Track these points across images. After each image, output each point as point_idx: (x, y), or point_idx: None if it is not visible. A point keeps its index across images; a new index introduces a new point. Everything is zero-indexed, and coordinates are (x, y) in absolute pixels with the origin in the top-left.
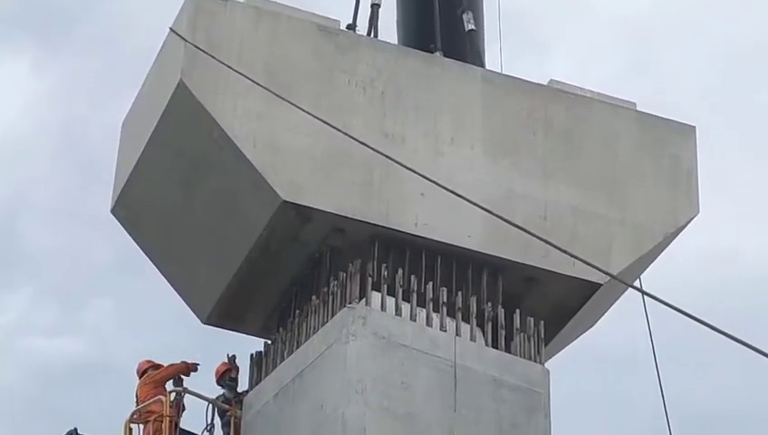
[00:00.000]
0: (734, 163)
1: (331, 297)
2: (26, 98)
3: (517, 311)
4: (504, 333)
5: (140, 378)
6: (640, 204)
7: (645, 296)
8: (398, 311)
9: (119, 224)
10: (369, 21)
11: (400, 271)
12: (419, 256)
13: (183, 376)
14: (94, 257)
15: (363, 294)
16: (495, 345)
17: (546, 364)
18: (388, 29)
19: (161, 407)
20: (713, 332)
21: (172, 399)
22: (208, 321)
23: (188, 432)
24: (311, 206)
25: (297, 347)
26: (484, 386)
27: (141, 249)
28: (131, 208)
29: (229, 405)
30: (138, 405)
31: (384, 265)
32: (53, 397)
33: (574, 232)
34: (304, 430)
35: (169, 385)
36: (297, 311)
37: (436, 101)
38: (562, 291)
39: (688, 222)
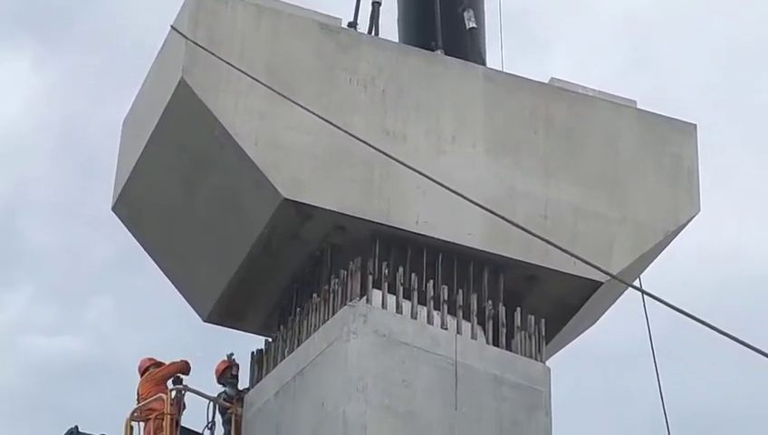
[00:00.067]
0: (735, 161)
1: (331, 295)
2: (27, 95)
3: (518, 309)
4: (504, 331)
5: (142, 376)
6: (641, 202)
7: (645, 295)
8: (398, 309)
9: (119, 221)
10: (371, 19)
11: (401, 269)
12: (420, 253)
13: (182, 375)
14: (95, 255)
15: (364, 292)
16: (496, 343)
17: (547, 362)
18: (389, 27)
19: (162, 405)
20: (713, 330)
21: (173, 397)
22: (209, 319)
23: (189, 430)
24: (312, 203)
25: (298, 345)
26: (484, 384)
27: (142, 247)
28: (132, 206)
29: (230, 403)
30: (139, 403)
31: (385, 262)
32: (54, 395)
33: (575, 230)
34: (305, 428)
35: (170, 383)
36: (298, 309)
37: (437, 99)
38: (563, 289)
39: (689, 220)
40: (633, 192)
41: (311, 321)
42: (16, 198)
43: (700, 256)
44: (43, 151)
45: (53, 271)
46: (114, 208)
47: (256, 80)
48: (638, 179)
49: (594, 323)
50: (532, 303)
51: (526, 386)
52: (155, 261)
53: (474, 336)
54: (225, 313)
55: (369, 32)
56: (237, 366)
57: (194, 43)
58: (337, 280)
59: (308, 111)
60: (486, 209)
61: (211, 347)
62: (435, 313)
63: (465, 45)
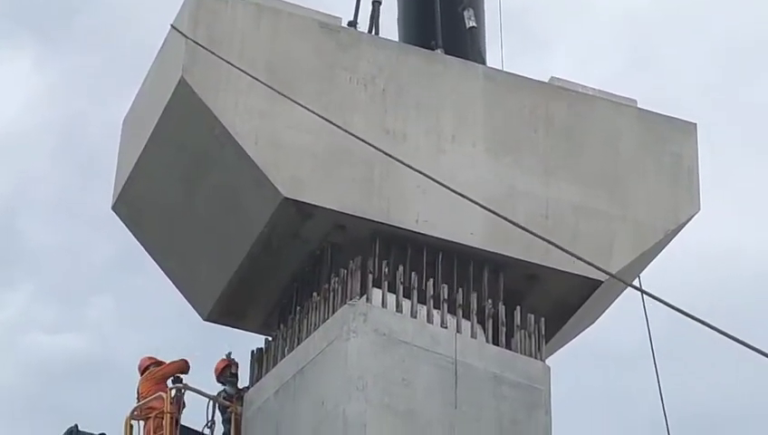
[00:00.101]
0: (735, 160)
1: (331, 294)
2: (27, 94)
3: (518, 308)
4: (504, 329)
5: (142, 375)
6: (641, 201)
7: (644, 295)
8: (398, 308)
9: (119, 221)
10: (371, 18)
11: (401, 268)
12: (420, 252)
13: (181, 374)
14: (95, 254)
15: (364, 291)
16: (496, 342)
17: (547, 361)
18: (389, 26)
19: (162, 403)
20: (712, 330)
21: (173, 395)
22: (209, 318)
23: (189, 429)
24: (312, 203)
25: (298, 344)
26: (484, 383)
27: (142, 246)
28: (132, 205)
29: (230, 402)
30: (138, 401)
31: (385, 261)
32: (54, 394)
33: (575, 229)
34: (305, 427)
35: (169, 382)
36: (298, 308)
37: (437, 98)
38: (563, 288)
39: (689, 219)
40: (633, 191)
41: (311, 320)
42: (17, 198)
43: (700, 255)
44: (43, 151)
45: (54, 270)
46: (114, 208)
47: (256, 79)
48: (638, 179)
49: (594, 322)
50: (532, 301)
51: (526, 385)
52: (155, 260)
53: (473, 335)
54: (225, 312)
55: (370, 31)
56: (237, 365)
57: (194, 42)
58: (337, 279)
59: (308, 110)
60: (487, 209)
61: (211, 346)
62: (435, 312)
63: (465, 44)
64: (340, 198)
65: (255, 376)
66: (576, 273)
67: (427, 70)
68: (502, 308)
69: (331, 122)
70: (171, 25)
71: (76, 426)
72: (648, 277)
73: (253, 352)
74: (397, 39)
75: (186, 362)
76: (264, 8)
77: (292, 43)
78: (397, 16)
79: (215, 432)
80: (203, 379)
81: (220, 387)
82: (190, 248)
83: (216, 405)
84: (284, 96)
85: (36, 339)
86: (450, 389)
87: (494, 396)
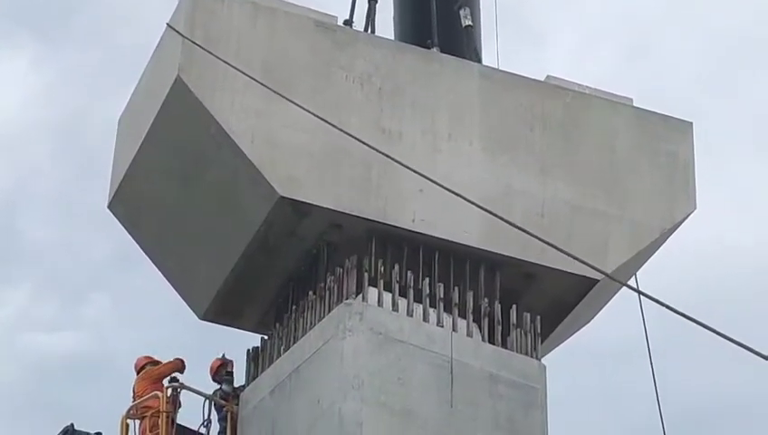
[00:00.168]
0: (732, 158)
1: (327, 293)
2: (25, 93)
3: (514, 307)
4: (500, 328)
5: (138, 374)
6: (638, 200)
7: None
8: (394, 307)
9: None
10: (366, 17)
11: (397, 267)
12: (417, 251)
13: (178, 373)
14: (93, 252)
15: (360, 290)
16: (492, 341)
17: (543, 360)
18: (385, 25)
19: (158, 402)
20: (706, 329)
21: (169, 394)
22: (205, 317)
23: (185, 428)
24: (308, 201)
25: (294, 343)
26: (480, 382)
27: (139, 245)
28: (128, 204)
29: (226, 400)
30: (134, 401)
31: (381, 260)
32: (51, 392)
33: (572, 228)
34: (301, 426)
35: (166, 381)
36: (294, 306)
37: (433, 97)
38: (560, 287)
39: (685, 218)
40: (629, 190)
41: (307, 318)
42: (15, 196)
43: (696, 254)
44: (41, 149)
45: (51, 268)
46: (110, 206)
47: (252, 78)
48: (634, 177)
49: (590, 320)
50: (529, 300)
51: (522, 383)
52: (151, 259)
53: (469, 334)
54: (221, 310)
55: (365, 29)
56: (232, 363)
57: (190, 41)
58: (333, 278)
59: (304, 109)
60: (483, 208)
61: (207, 345)
62: (431, 310)
63: (461, 43)
64: (336, 197)
65: (251, 375)
66: (572, 272)
67: (424, 68)
68: (498, 307)
69: (326, 122)
70: (167, 24)
71: (72, 425)
72: (644, 275)
73: (248, 351)
74: (393, 38)
75: (181, 361)
76: (260, 7)
77: (289, 41)
78: (392, 15)
79: (210, 431)
80: (199, 378)
81: (216, 386)
82: (186, 247)
83: (213, 404)
84: (280, 95)
85: (33, 337)
86: (446, 388)
87: (490, 395)
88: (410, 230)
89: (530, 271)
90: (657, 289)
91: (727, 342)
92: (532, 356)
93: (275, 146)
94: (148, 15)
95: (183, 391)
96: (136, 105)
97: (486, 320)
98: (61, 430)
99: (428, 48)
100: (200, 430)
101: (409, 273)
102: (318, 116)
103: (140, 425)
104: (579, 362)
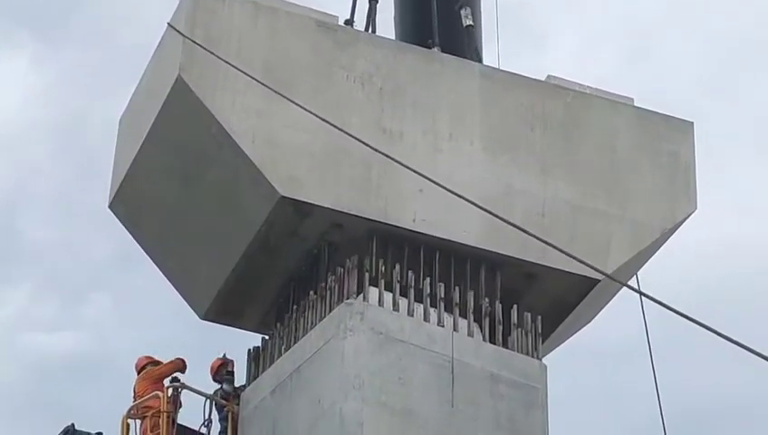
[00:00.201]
0: (732, 158)
1: (328, 293)
2: (25, 93)
3: (515, 306)
4: (501, 328)
5: (139, 374)
6: (638, 200)
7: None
8: (395, 306)
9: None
10: (368, 16)
11: (398, 266)
12: (417, 251)
13: (179, 373)
14: (93, 252)
15: (361, 290)
16: (493, 341)
17: (543, 359)
18: (386, 25)
19: (159, 402)
20: (707, 330)
21: (170, 394)
22: (206, 316)
23: (186, 428)
24: (309, 201)
25: (295, 342)
26: (481, 381)
27: (139, 245)
28: (129, 204)
29: (227, 400)
30: (135, 401)
31: (382, 260)
32: (51, 392)
33: (573, 228)
34: (302, 426)
35: (166, 381)
36: (295, 306)
37: (434, 97)
38: (561, 287)
39: (686, 218)
40: (630, 190)
41: (307, 318)
42: (15, 196)
43: (697, 254)
44: (41, 149)
45: (52, 268)
46: (111, 206)
47: (253, 78)
48: (635, 177)
49: (591, 320)
50: (529, 300)
51: (523, 383)
52: (152, 259)
53: (470, 334)
54: (222, 310)
55: (366, 29)
56: (232, 363)
57: (191, 40)
58: (334, 277)
59: (305, 109)
60: (483, 209)
61: (208, 345)
62: (431, 310)
63: (462, 43)
64: (337, 197)
65: (252, 375)
66: (573, 271)
67: (424, 68)
68: (499, 307)
69: (327, 122)
70: (168, 24)
71: (73, 425)
72: (645, 275)
73: (249, 350)
74: (393, 38)
75: (182, 361)
76: (261, 7)
77: (290, 41)
78: (393, 15)
79: (211, 431)
80: (199, 378)
81: (216, 386)
82: (187, 247)
83: (213, 404)
84: (281, 95)
85: (33, 337)
86: (447, 387)
87: (490, 394)
88: (411, 230)
89: (531, 271)
90: (658, 289)
91: (727, 342)
92: (532, 356)
93: (276, 146)
94: (148, 15)
95: (184, 391)
96: (137, 105)
97: (487, 320)
98: (61, 430)
99: (429, 48)
100: (201, 430)
101: (410, 273)
102: (319, 116)
103: (141, 425)
104: (579, 362)
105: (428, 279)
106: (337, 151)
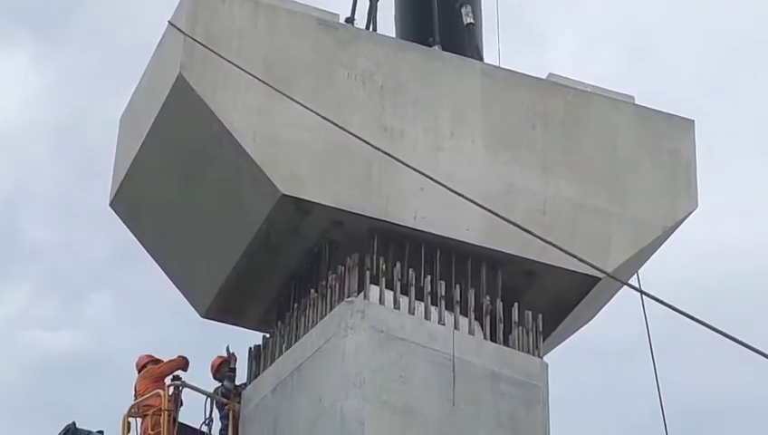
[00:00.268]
0: (733, 156)
1: (329, 291)
2: (25, 92)
3: (516, 304)
4: (502, 326)
5: (140, 372)
6: (639, 198)
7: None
8: (396, 304)
9: (117, 218)
10: (368, 14)
11: (399, 265)
12: (418, 249)
13: (181, 371)
14: (93, 252)
15: (362, 288)
16: (494, 339)
17: (544, 358)
18: (387, 23)
19: (160, 401)
20: (708, 328)
21: (171, 393)
22: (207, 315)
23: (187, 426)
24: (310, 199)
25: (296, 341)
26: (482, 379)
27: (140, 243)
28: (130, 202)
29: (227, 397)
30: (136, 399)
31: (383, 258)
32: (52, 391)
33: (573, 226)
34: (303, 424)
35: (167, 379)
36: (296, 305)
37: (435, 95)
38: (562, 285)
39: (687, 216)
40: (631, 188)
41: (308, 317)
42: (15, 195)
43: (698, 252)
44: (41, 148)
45: (52, 267)
46: (112, 205)
47: (254, 76)
48: (635, 175)
49: (592, 318)
50: (530, 298)
51: (524, 381)
52: (153, 257)
53: (471, 332)
54: (222, 309)
55: (367, 27)
56: (235, 359)
57: (192, 39)
58: (335, 276)
59: (305, 107)
60: (484, 208)
61: (208, 343)
62: (432, 308)
63: (463, 41)
64: (338, 195)
65: (253, 373)
66: (574, 269)
67: (425, 66)
68: (499, 305)
69: (328, 120)
70: (169, 22)
71: (74, 423)
72: (645, 273)
73: (250, 349)
74: (394, 36)
75: (184, 359)
76: (261, 5)
77: (290, 39)
78: (394, 13)
79: (212, 430)
80: (200, 376)
81: (217, 384)
82: (188, 245)
83: (214, 402)
84: (282, 93)
85: (34, 336)
86: (448, 385)
87: (491, 393)
88: (412, 228)
89: (531, 269)
90: (659, 287)
91: (727, 342)
92: (533, 354)
93: (277, 144)
94: (148, 15)
95: (185, 390)
96: (137, 103)
97: (488, 318)
98: (63, 428)
99: (430, 46)
100: (202, 429)
101: (411, 271)
102: (320, 114)
103: (142, 424)
104: (580, 360)
105: (429, 277)
106: (338, 149)
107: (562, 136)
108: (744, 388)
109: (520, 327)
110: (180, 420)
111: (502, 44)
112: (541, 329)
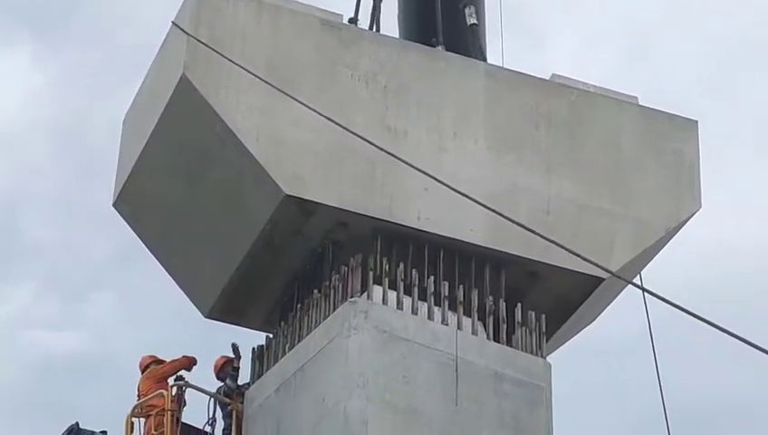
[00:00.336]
0: (737, 157)
1: (332, 291)
2: (25, 92)
3: (519, 305)
4: (505, 327)
5: (143, 373)
6: (643, 198)
7: (644, 292)
8: (399, 305)
9: (119, 218)
10: (371, 15)
11: (402, 265)
12: (422, 250)
13: (186, 370)
14: (95, 251)
15: (365, 288)
16: (497, 339)
17: (548, 358)
18: (390, 23)
19: (163, 401)
20: (713, 327)
21: (174, 393)
22: (210, 315)
23: (190, 427)
24: (313, 200)
25: (299, 341)
26: (485, 380)
27: (144, 243)
28: (134, 203)
29: (230, 397)
30: (139, 399)
31: (386, 259)
32: (54, 391)
33: (577, 226)
34: (306, 424)
35: (170, 380)
36: (299, 305)
37: (438, 95)
38: (565, 285)
39: (690, 216)
40: (634, 188)
41: (312, 317)
42: (16, 195)
43: (701, 253)
44: (43, 148)
45: (53, 267)
46: (115, 205)
47: (257, 76)
48: (639, 176)
49: (595, 318)
50: (534, 299)
51: (527, 382)
52: (156, 257)
53: (474, 332)
54: (226, 309)
55: (370, 28)
56: (240, 357)
57: (195, 39)
58: (338, 276)
59: (309, 108)
60: (487, 208)
61: (210, 344)
62: (436, 309)
63: (466, 41)
64: (341, 196)
65: (256, 373)
66: (577, 270)
67: (429, 67)
68: (503, 305)
69: (332, 120)
70: (172, 22)
71: (77, 424)
72: (648, 273)
73: (254, 349)
74: (398, 36)
75: (189, 359)
76: (265, 5)
77: (293, 40)
78: (397, 13)
79: (216, 430)
80: (203, 376)
81: (220, 384)
82: (192, 246)
83: (217, 402)
84: (285, 93)
85: (36, 335)
86: (451, 386)
87: (495, 393)
88: (416, 228)
89: (535, 269)
90: (662, 287)
91: (727, 342)
92: (537, 354)
93: (281, 144)
94: (149, 15)
95: (188, 390)
96: (141, 103)
97: (491, 318)
98: (66, 429)
99: (433, 46)
100: (205, 429)
101: (414, 271)
102: (323, 115)
103: (145, 424)
104: (584, 360)
105: (433, 278)
106: (341, 150)
107: (566, 136)
108: (745, 387)
109: (523, 327)
110: (184, 420)
111: (505, 45)
112: (544, 329)
